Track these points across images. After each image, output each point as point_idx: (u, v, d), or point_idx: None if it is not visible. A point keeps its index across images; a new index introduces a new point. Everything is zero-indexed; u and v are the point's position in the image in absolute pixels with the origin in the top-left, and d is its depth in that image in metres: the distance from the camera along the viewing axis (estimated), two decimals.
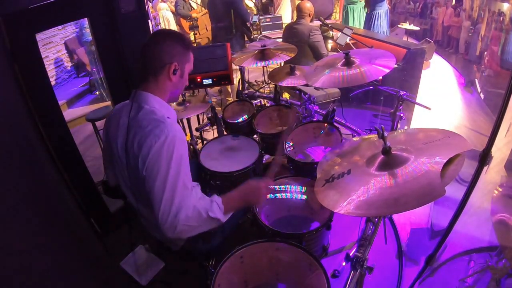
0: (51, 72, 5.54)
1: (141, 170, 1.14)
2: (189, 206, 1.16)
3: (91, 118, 3.24)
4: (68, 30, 5.88)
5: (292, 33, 3.37)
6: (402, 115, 1.97)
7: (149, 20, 3.96)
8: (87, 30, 4.63)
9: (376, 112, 3.21)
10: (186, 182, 1.18)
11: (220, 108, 2.94)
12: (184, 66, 1.28)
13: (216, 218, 1.21)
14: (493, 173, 2.02)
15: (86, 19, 2.05)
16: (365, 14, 5.14)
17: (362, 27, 5.13)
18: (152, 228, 1.37)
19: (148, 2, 6.21)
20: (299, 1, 3.45)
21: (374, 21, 4.79)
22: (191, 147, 2.44)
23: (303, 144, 1.99)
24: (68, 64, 6.02)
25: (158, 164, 1.12)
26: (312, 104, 2.16)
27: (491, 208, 1.89)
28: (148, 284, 1.88)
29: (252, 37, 4.29)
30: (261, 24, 5.06)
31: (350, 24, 5.13)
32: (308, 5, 3.32)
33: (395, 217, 2.18)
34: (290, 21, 5.08)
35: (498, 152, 1.99)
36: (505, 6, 5.15)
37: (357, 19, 5.22)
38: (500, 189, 1.95)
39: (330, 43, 4.00)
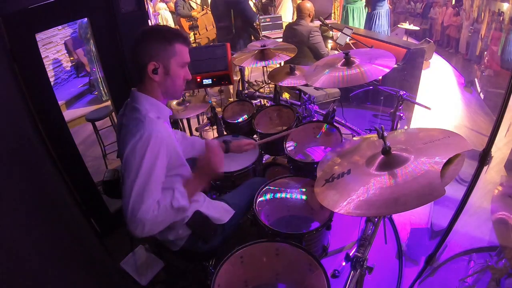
0: (51, 72, 5.54)
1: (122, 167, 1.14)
2: (155, 205, 1.12)
3: (91, 118, 3.25)
4: (68, 30, 5.88)
5: (291, 34, 3.37)
6: (402, 115, 1.97)
7: (149, 20, 3.96)
8: (87, 30, 4.63)
9: (376, 112, 3.21)
10: (158, 183, 1.15)
11: (220, 108, 2.95)
12: (168, 62, 1.21)
13: (180, 206, 1.18)
14: (493, 173, 2.02)
15: (86, 19, 2.05)
16: (365, 14, 5.14)
17: (362, 27, 5.13)
18: None
19: (149, 1, 6.21)
20: (300, 1, 3.45)
21: (375, 20, 4.79)
22: None
23: (303, 144, 1.99)
24: (67, 64, 6.02)
25: (130, 162, 1.10)
26: (312, 104, 2.15)
27: (491, 207, 1.89)
28: (148, 284, 1.88)
29: (260, 38, 4.29)
30: (261, 24, 5.06)
31: (350, 24, 5.13)
32: (308, 6, 3.31)
33: (395, 217, 2.18)
34: (291, 21, 5.08)
35: (498, 152, 2.00)
36: (505, 6, 5.15)
37: (357, 19, 5.21)
38: (500, 188, 1.95)
39: (330, 43, 4.00)
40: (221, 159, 1.33)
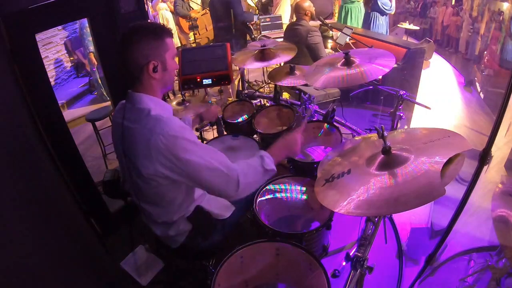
0: (51, 72, 5.54)
1: (159, 171, 1.14)
2: (242, 166, 1.23)
3: (91, 118, 3.25)
4: (68, 30, 5.88)
5: (291, 34, 3.33)
6: (402, 114, 1.97)
7: (148, 20, 3.96)
8: (87, 30, 4.63)
9: (376, 111, 3.21)
10: (217, 153, 1.21)
11: (220, 108, 2.94)
12: (164, 58, 1.20)
13: (271, 169, 1.29)
14: (493, 173, 2.02)
15: (86, 19, 2.05)
16: (362, 13, 5.12)
17: (360, 26, 5.12)
18: (153, 225, 1.38)
19: (148, 2, 6.22)
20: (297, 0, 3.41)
21: (374, 20, 4.78)
22: None
23: (303, 144, 1.99)
24: (68, 65, 6.02)
25: (182, 160, 1.13)
26: (312, 104, 2.15)
27: (492, 204, 1.89)
28: (148, 284, 1.88)
29: (253, 36, 4.27)
30: (261, 24, 5.06)
31: (347, 24, 5.12)
32: (306, 4, 3.20)
33: (395, 216, 2.18)
34: (290, 21, 5.07)
35: (498, 152, 2.00)
36: (505, 6, 5.15)
37: (355, 19, 5.19)
38: (501, 185, 1.95)
39: (330, 43, 4.00)
40: (302, 144, 1.47)
